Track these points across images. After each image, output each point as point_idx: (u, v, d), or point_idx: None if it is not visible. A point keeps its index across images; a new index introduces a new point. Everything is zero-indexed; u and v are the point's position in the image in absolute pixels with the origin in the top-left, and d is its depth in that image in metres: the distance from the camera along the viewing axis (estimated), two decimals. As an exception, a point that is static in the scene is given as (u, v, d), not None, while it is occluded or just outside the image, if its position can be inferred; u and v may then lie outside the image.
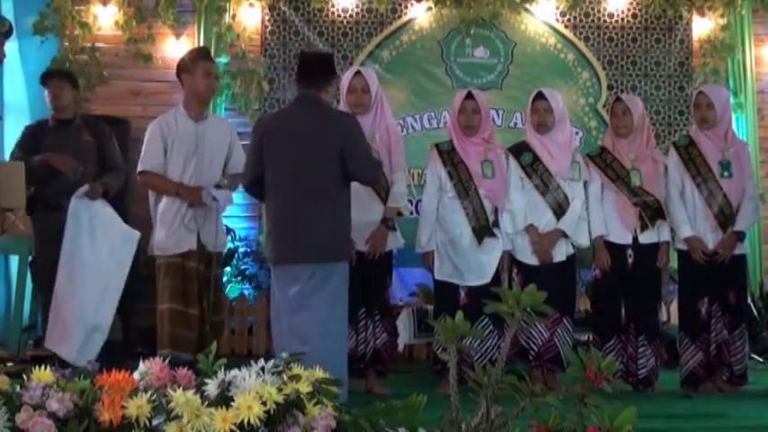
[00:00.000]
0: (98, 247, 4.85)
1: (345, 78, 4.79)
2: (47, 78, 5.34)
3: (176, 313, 4.36)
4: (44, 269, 5.05)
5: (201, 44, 6.83)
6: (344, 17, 7.08)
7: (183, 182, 4.52)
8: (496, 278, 4.77)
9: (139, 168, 4.58)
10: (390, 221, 4.68)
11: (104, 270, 4.80)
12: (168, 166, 4.52)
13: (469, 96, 4.88)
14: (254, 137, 4.17)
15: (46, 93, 5.29)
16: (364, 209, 4.58)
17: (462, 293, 4.78)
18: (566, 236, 4.82)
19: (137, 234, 4.91)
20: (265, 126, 4.18)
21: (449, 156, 4.87)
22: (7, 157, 5.50)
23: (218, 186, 4.58)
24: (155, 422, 2.10)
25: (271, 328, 4.21)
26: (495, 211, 4.83)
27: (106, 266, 4.81)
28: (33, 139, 5.22)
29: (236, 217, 6.88)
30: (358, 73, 4.77)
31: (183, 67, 4.59)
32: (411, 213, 6.37)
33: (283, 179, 4.01)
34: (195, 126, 4.57)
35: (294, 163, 3.98)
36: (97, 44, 6.84)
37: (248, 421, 2.07)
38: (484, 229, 4.76)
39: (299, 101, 4.17)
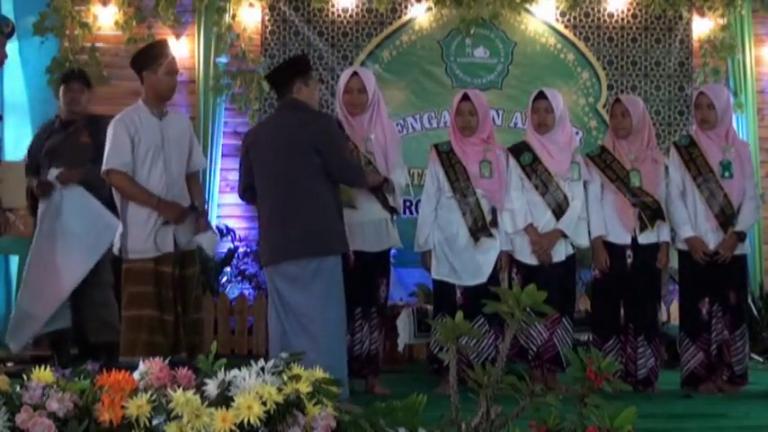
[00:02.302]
0: (58, 235, 4.87)
1: (342, 79, 4.79)
2: (69, 80, 5.31)
3: (153, 320, 4.19)
4: None
5: (202, 44, 6.84)
6: (344, 17, 7.08)
7: (150, 179, 4.29)
8: (493, 278, 4.77)
9: (105, 167, 4.29)
10: (388, 185, 4.68)
11: (60, 259, 4.81)
12: (135, 165, 4.28)
13: (466, 98, 4.87)
14: (242, 148, 4.37)
15: (61, 92, 5.27)
16: (362, 209, 4.59)
17: (458, 293, 4.78)
18: (565, 236, 4.82)
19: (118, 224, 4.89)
20: (250, 136, 4.38)
21: (447, 156, 4.88)
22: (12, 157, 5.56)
23: (192, 208, 4.42)
24: (155, 422, 2.10)
25: (268, 328, 4.23)
26: (493, 211, 4.83)
27: (65, 256, 4.81)
28: (39, 141, 5.27)
29: (236, 217, 6.89)
30: (355, 74, 4.76)
31: (144, 64, 4.39)
32: (411, 213, 6.39)
33: (268, 183, 4.17)
34: (159, 123, 4.38)
35: (275, 166, 4.13)
36: (97, 44, 6.84)
37: (248, 421, 2.07)
38: (480, 229, 4.76)
39: (279, 107, 4.38)
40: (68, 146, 5.14)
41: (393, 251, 4.94)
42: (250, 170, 4.24)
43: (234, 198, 6.83)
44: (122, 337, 4.24)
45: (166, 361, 2.33)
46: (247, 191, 4.32)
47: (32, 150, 5.26)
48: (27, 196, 5.00)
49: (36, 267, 4.91)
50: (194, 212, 4.43)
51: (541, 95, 4.89)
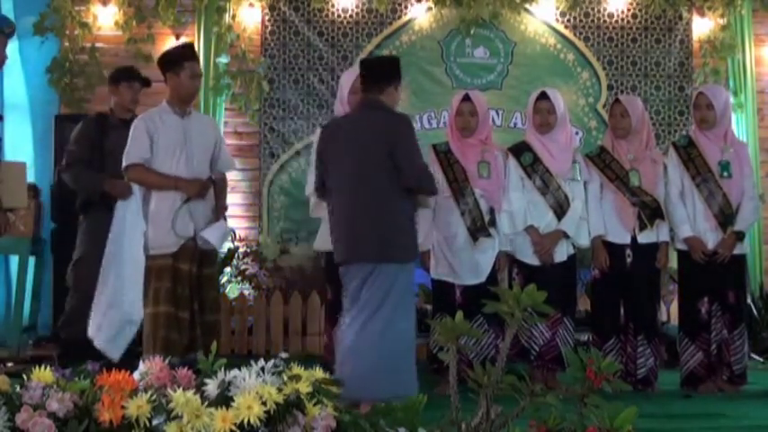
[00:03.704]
0: (140, 239, 4.79)
1: (348, 78, 4.77)
2: (131, 78, 5.21)
3: (169, 317, 4.26)
4: (91, 269, 4.86)
5: (202, 44, 6.84)
6: (344, 17, 7.08)
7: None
8: (492, 278, 4.77)
9: (126, 162, 4.39)
10: None
11: (142, 263, 4.75)
12: (155, 162, 4.38)
13: (467, 98, 4.88)
14: (318, 144, 4.29)
15: (121, 89, 5.16)
16: None
17: (457, 293, 4.78)
18: (567, 236, 4.82)
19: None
20: (327, 132, 4.29)
21: (445, 156, 4.88)
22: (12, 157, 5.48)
23: (210, 180, 4.48)
24: (155, 422, 2.10)
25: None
26: (491, 211, 4.82)
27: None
28: (90, 137, 5.11)
29: (236, 217, 6.88)
30: None
31: (169, 66, 4.46)
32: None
33: (341, 182, 4.10)
34: (181, 122, 4.44)
35: (349, 166, 4.07)
36: (97, 44, 6.84)
37: (248, 421, 2.07)
38: (479, 229, 4.76)
39: (360, 105, 4.26)
40: None
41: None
42: (326, 168, 4.20)
43: (234, 198, 6.84)
44: (143, 334, 4.32)
45: (167, 361, 2.34)
46: (322, 189, 4.25)
47: (83, 146, 5.11)
48: (92, 192, 4.94)
49: (134, 269, 4.77)
50: (214, 185, 4.48)
51: (543, 96, 4.90)
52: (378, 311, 3.89)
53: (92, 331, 4.70)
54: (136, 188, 4.62)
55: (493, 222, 4.81)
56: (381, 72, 4.23)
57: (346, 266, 4.05)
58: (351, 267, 4.03)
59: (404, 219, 4.07)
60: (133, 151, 4.40)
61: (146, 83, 5.29)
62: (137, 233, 4.63)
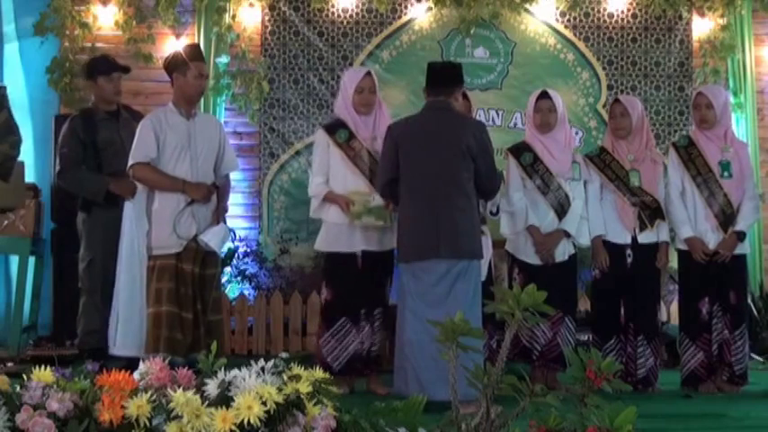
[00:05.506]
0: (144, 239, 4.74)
1: (352, 78, 4.75)
2: (111, 70, 5.08)
3: (172, 316, 4.28)
4: (105, 270, 4.78)
5: (202, 44, 6.83)
6: (344, 17, 7.08)
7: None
8: (488, 278, 4.75)
9: (132, 161, 4.41)
10: None
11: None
12: (159, 162, 4.42)
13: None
14: (389, 142, 4.37)
15: (101, 82, 5.04)
16: None
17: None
18: (568, 235, 4.82)
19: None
20: (400, 131, 4.38)
21: None
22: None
23: (214, 185, 4.52)
24: (155, 422, 2.10)
25: (399, 323, 4.25)
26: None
27: None
28: (80, 134, 4.98)
29: (237, 217, 6.89)
30: (368, 74, 4.75)
31: (175, 66, 4.49)
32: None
33: (421, 180, 4.23)
34: (186, 123, 4.48)
35: (432, 164, 4.20)
36: (97, 44, 6.84)
37: (248, 421, 2.07)
38: None
39: (431, 107, 4.38)
40: (126, 138, 4.85)
41: (396, 251, 4.93)
42: (396, 165, 4.29)
43: (234, 198, 6.83)
44: (146, 334, 4.33)
45: (167, 360, 2.34)
46: (390, 185, 4.35)
47: (74, 146, 4.97)
48: (97, 194, 4.85)
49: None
50: (217, 190, 4.54)
51: (544, 95, 4.90)
52: (471, 306, 4.01)
53: (113, 346, 4.53)
54: (139, 186, 4.63)
55: (484, 220, 4.80)
56: (451, 76, 4.38)
57: (414, 263, 4.16)
58: (423, 264, 4.14)
59: (477, 217, 4.29)
60: (140, 150, 4.43)
61: (125, 70, 5.16)
62: (143, 233, 4.61)
